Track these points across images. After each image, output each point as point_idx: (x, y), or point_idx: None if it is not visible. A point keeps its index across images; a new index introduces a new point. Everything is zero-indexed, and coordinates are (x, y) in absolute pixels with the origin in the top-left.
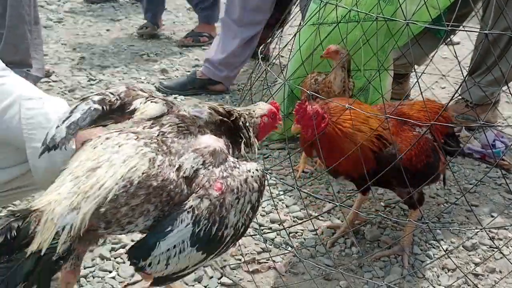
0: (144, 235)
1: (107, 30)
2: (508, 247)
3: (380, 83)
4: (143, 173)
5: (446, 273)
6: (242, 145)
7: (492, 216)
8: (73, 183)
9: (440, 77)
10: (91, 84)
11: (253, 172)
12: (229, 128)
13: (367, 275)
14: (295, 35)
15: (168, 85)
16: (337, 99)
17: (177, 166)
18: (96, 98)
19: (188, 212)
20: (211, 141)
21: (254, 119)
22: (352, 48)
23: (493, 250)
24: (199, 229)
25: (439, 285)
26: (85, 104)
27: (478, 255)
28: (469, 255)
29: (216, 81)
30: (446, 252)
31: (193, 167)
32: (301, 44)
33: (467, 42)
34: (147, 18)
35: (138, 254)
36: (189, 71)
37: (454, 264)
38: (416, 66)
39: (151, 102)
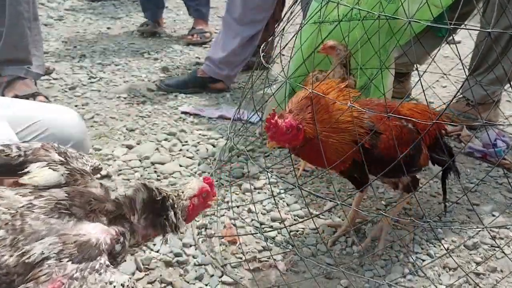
0: None
1: (108, 28)
2: (509, 247)
3: (381, 82)
4: None
5: (447, 272)
6: (161, 226)
7: (494, 215)
8: None
9: (441, 76)
10: (92, 82)
11: (114, 286)
12: (154, 209)
13: (368, 273)
14: (296, 33)
15: (169, 83)
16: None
17: (22, 250)
18: None
19: None
20: (94, 231)
21: (182, 201)
22: (354, 47)
23: (495, 249)
24: None
25: (440, 284)
26: None
27: (480, 254)
28: (471, 254)
29: (217, 79)
30: (448, 251)
31: (43, 253)
32: (303, 42)
33: (468, 40)
34: (146, 16)
35: None
36: (190, 69)
37: (456, 263)
38: (417, 65)
39: (49, 168)
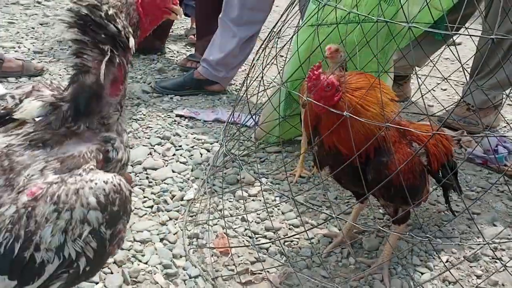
0: None
1: None
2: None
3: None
4: None
5: (446, 286)
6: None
7: (495, 225)
8: None
9: (441, 80)
10: None
11: (95, 183)
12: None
13: None
14: (293, 36)
15: (165, 85)
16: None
17: (16, 187)
18: None
19: None
20: (76, 147)
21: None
22: (352, 50)
23: (496, 262)
24: None
25: None
26: None
27: (480, 266)
28: (471, 267)
29: (213, 81)
30: (446, 264)
31: (28, 174)
32: (299, 45)
33: (469, 42)
34: None
35: None
36: (186, 71)
37: (454, 278)
38: (416, 68)
39: (38, 100)
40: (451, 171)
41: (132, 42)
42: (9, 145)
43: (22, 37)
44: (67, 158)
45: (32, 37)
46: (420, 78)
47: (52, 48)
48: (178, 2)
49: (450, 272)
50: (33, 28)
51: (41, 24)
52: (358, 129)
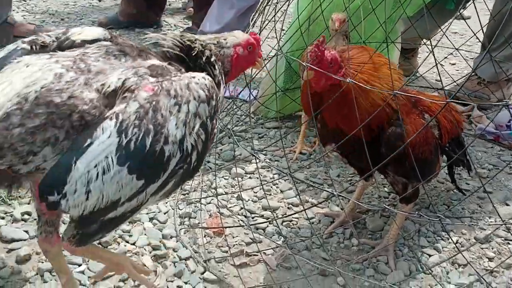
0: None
1: (99, 0)
2: None
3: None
4: (42, 88)
5: (456, 269)
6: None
7: (507, 205)
8: None
9: (449, 53)
10: None
11: (198, 79)
12: (189, 67)
13: (369, 271)
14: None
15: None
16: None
17: (98, 85)
18: (27, 39)
19: (110, 119)
20: (153, 62)
21: (224, 49)
22: (356, 18)
23: (509, 243)
24: (127, 140)
25: (449, 283)
26: (13, 44)
27: (492, 248)
28: (482, 249)
29: None
30: (456, 246)
31: (120, 78)
32: (300, 13)
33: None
34: None
35: (50, 184)
36: None
37: (465, 259)
38: (424, 40)
39: (91, 27)
40: (460, 146)
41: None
42: (84, 53)
43: (14, 10)
44: (152, 66)
45: (24, 10)
46: (432, 46)
47: (43, 21)
48: (261, 54)
49: (463, 255)
50: (25, 0)
51: None
52: (363, 105)
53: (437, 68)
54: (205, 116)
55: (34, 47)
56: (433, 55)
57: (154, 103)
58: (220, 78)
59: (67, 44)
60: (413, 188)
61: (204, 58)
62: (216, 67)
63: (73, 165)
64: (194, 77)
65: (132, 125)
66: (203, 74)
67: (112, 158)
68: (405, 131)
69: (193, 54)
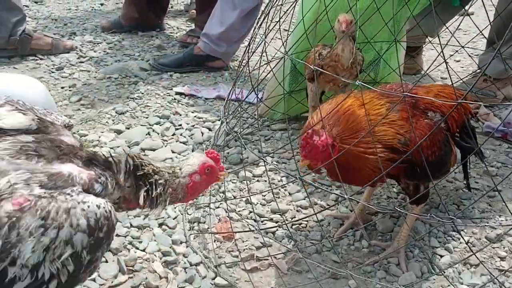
0: None
1: (101, 4)
2: None
3: (391, 57)
4: None
5: (468, 269)
6: (142, 195)
7: None
8: None
9: (455, 50)
10: (81, 62)
11: (88, 206)
12: (138, 179)
13: (380, 273)
14: (294, 3)
15: (163, 62)
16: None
17: None
18: None
19: None
20: (66, 168)
21: (179, 179)
22: (361, 18)
23: None
24: None
25: (462, 283)
26: None
27: (504, 247)
28: (494, 248)
29: (214, 57)
30: (467, 246)
31: (9, 181)
32: (305, 13)
33: (482, 12)
34: None
35: None
36: (186, 47)
37: (478, 259)
38: (429, 38)
39: (19, 112)
40: (470, 134)
41: (160, 209)
42: None
43: None
44: (55, 175)
45: (26, 15)
46: (436, 47)
47: (46, 26)
48: (224, 167)
49: (476, 256)
50: (27, 6)
51: (35, 2)
52: (367, 170)
53: (447, 66)
54: (80, 247)
55: None
56: (442, 53)
57: (14, 219)
58: (164, 202)
59: None
60: (425, 189)
61: (148, 181)
62: (167, 192)
63: None
64: (84, 202)
65: None
66: (102, 202)
67: None
68: (409, 140)
69: (139, 174)
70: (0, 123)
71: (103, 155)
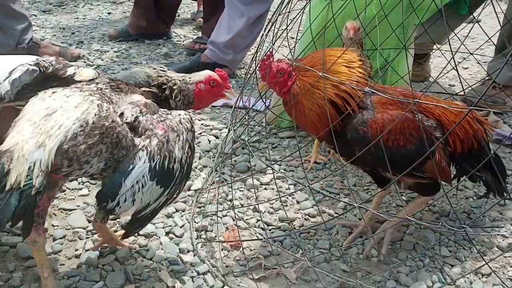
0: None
1: (109, 13)
2: None
3: (399, 64)
4: (95, 115)
5: (479, 278)
6: (172, 99)
7: None
8: (33, 127)
9: (463, 58)
10: None
11: (183, 116)
12: (156, 96)
13: (390, 283)
14: (303, 9)
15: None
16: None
17: (119, 113)
18: (32, 62)
19: (142, 150)
20: (141, 98)
21: (188, 85)
22: (369, 25)
23: None
24: (154, 163)
25: None
26: (21, 66)
27: None
28: (506, 257)
29: (221, 65)
30: (478, 255)
31: (133, 115)
32: (312, 21)
33: (489, 20)
34: None
35: (106, 195)
36: (193, 54)
37: (491, 268)
38: (437, 45)
39: (84, 68)
40: (483, 162)
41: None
42: (100, 88)
43: None
44: (145, 103)
45: (34, 24)
46: (444, 54)
47: (54, 35)
48: (230, 86)
49: (489, 266)
50: (35, 15)
51: (43, 11)
52: (309, 108)
53: (457, 73)
54: (190, 140)
55: (40, 69)
56: (453, 60)
57: (166, 137)
58: (180, 105)
59: (67, 78)
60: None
61: (169, 91)
62: (178, 97)
63: (123, 182)
64: (180, 115)
65: (156, 153)
66: (184, 112)
67: (146, 176)
68: (371, 118)
69: (163, 88)
70: (84, 77)
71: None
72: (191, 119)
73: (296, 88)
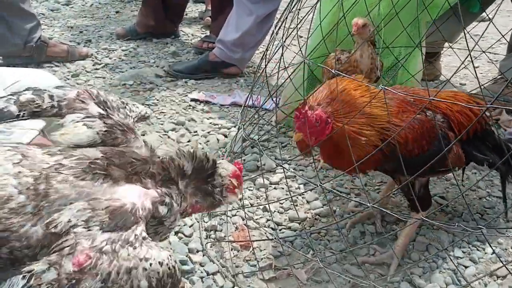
0: None
1: (117, 12)
2: None
3: (410, 62)
4: None
5: (495, 281)
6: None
7: None
8: None
9: (474, 56)
10: (96, 69)
11: (150, 264)
12: (202, 177)
13: (404, 284)
14: (313, 7)
15: (178, 68)
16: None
17: (47, 219)
18: (23, 98)
19: (23, 277)
20: (130, 195)
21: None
22: (380, 23)
23: None
24: None
25: None
26: (4, 101)
27: None
28: None
29: (229, 64)
30: (492, 256)
31: (70, 221)
32: (322, 18)
33: (499, 19)
34: None
35: None
36: (201, 54)
37: (508, 270)
38: (447, 44)
39: (84, 124)
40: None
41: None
42: (59, 166)
43: None
44: (117, 210)
45: (42, 23)
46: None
47: (62, 34)
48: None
49: (507, 268)
50: (43, 14)
51: (51, 10)
52: (356, 152)
53: (474, 70)
54: None
55: (22, 113)
56: (471, 56)
57: (73, 281)
58: (224, 193)
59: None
60: (423, 189)
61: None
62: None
63: None
64: (147, 260)
65: None
66: (166, 256)
67: None
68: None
69: (208, 167)
70: (64, 140)
71: (168, 161)
72: (167, 276)
73: (335, 136)
